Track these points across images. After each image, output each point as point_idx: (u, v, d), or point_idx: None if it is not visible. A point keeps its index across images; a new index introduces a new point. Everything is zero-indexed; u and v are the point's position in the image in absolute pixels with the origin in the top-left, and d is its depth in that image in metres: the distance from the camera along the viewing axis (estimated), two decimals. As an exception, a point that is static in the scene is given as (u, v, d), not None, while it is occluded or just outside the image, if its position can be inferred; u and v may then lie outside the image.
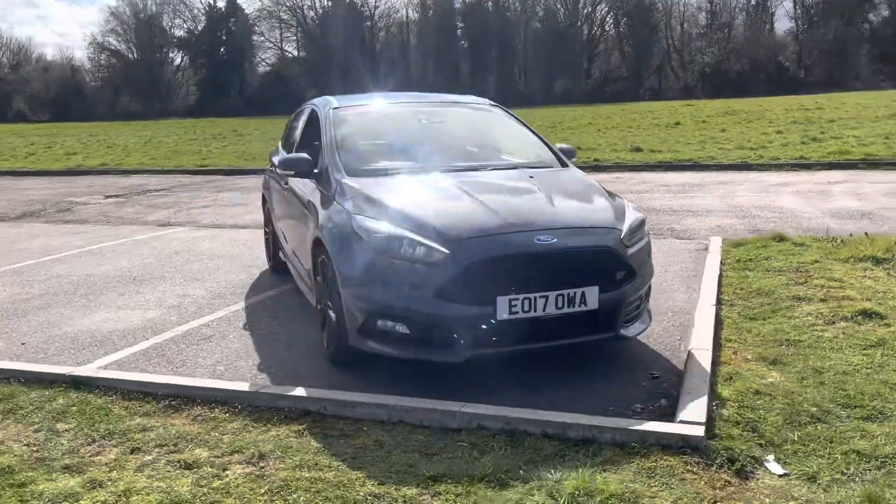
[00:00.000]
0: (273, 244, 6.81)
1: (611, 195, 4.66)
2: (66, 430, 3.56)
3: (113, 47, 75.47)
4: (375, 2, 73.87)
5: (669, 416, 3.55)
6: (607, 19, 75.20)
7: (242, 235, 9.22)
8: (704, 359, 3.95)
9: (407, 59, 71.05)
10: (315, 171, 4.99)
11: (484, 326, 3.83)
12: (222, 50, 73.23)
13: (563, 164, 5.22)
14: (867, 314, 4.63)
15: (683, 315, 5.23)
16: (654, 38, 70.11)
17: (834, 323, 4.59)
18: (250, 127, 37.20)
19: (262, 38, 75.34)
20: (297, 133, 6.06)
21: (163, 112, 67.35)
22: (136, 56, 74.60)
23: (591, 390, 3.96)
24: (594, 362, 4.35)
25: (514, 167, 5.04)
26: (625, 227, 4.22)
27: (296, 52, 75.59)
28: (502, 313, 3.81)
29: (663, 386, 3.99)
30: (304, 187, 5.17)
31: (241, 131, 33.58)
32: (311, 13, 73.91)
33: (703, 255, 6.84)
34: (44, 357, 4.82)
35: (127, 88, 73.46)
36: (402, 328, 3.94)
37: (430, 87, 65.42)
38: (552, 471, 2.94)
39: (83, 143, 30.05)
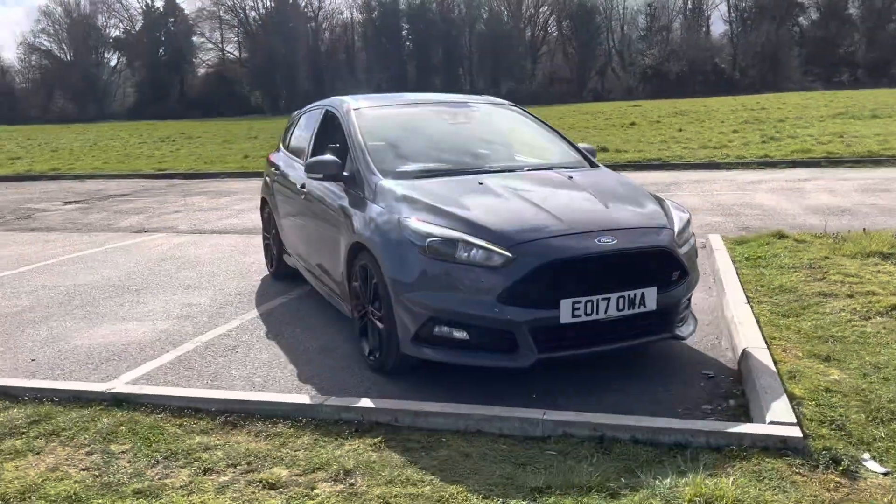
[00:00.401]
0: (277, 250, 6.59)
1: (652, 195, 4.65)
2: (123, 452, 3.34)
3: (45, 48, 72.85)
4: (319, 3, 73.10)
5: (741, 416, 3.54)
6: (550, 22, 76.18)
7: (227, 241, 8.94)
8: (764, 357, 3.95)
9: (352, 60, 70.55)
10: (344, 173, 4.83)
11: (548, 331, 3.75)
12: (161, 51, 71.47)
13: (593, 164, 5.19)
14: (898, 309, 4.72)
15: (710, 314, 5.26)
16: (596, 40, 71.26)
17: (869, 318, 4.66)
18: (198, 130, 36.35)
19: (203, 39, 73.79)
20: (310, 135, 5.87)
21: (99, 115, 65.35)
22: (70, 57, 72.17)
23: (651, 393, 3.93)
24: (642, 365, 4.32)
25: (550, 167, 4.98)
26: (676, 227, 4.21)
27: (238, 54, 74.25)
28: (566, 317, 3.74)
29: (722, 386, 3.98)
30: (331, 191, 5.00)
31: (190, 134, 32.76)
32: (254, 14, 72.71)
33: (705, 253, 6.91)
34: (62, 374, 4.55)
35: (61, 90, 70.94)
36: (461, 334, 3.83)
37: (378, 88, 65.24)
38: (658, 477, 2.88)
39: (23, 146, 28.86)
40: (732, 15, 73.25)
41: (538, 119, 5.77)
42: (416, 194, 4.32)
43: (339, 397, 3.72)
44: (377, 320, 4.23)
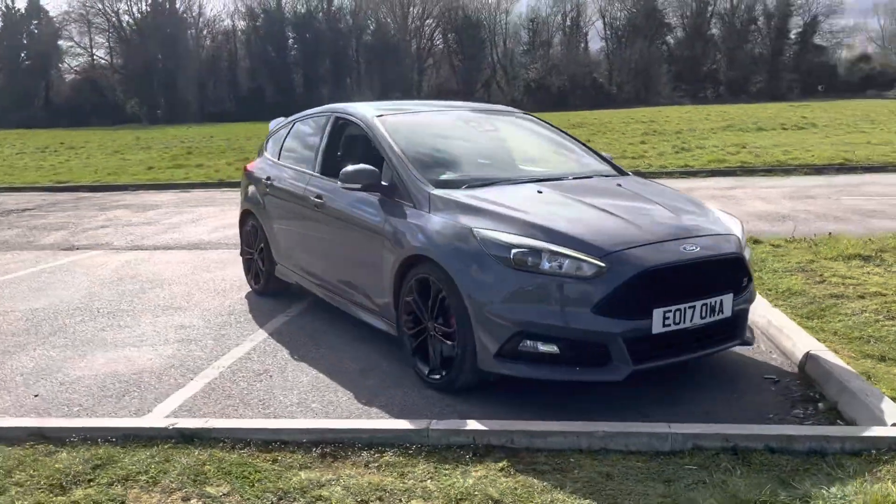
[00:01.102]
0: (266, 266, 6.18)
1: (700, 201, 4.69)
2: (226, 495, 2.97)
3: None
4: (199, 8, 70.47)
5: (835, 419, 3.60)
6: (436, 34, 76.95)
7: (178, 257, 8.33)
8: (832, 359, 4.05)
9: (235, 68, 68.34)
10: (383, 183, 4.59)
11: (640, 341, 3.68)
12: (23, 55, 66.56)
13: (622, 172, 5.19)
14: (920, 309, 4.99)
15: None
16: (481, 53, 72.66)
17: (894, 318, 4.90)
18: (76, 139, 34.01)
19: (71, 44, 69.31)
20: (317, 144, 5.52)
21: (-46, 123, 59.95)
22: (-82, 61, 65.93)
23: (727, 401, 3.93)
24: (701, 374, 4.32)
25: (591, 176, 4.92)
26: (739, 233, 4.26)
27: (110, 59, 70.27)
28: (657, 326, 3.68)
29: (794, 390, 4.04)
30: (360, 203, 4.72)
31: (71, 144, 30.60)
32: (127, 18, 69.07)
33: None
34: (82, 409, 4.05)
35: None
36: (550, 348, 3.68)
37: (265, 97, 63.55)
38: (821, 487, 2.85)
39: None
40: (608, 32, 76.72)
41: (555, 127, 5.73)
42: (480, 203, 4.15)
43: (442, 421, 3.48)
44: (443, 337, 4.03)
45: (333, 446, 3.33)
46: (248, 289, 6.66)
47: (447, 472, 3.11)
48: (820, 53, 72.96)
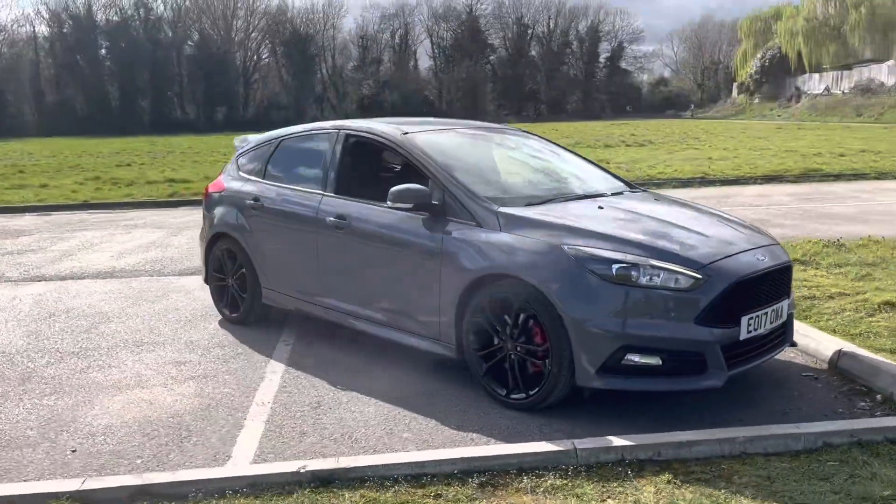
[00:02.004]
0: (249, 293, 5.76)
1: None
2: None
3: None
4: (-6, 12, 63.83)
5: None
6: (262, 47, 75.14)
7: (99, 287, 7.53)
8: (868, 354, 4.47)
9: (37, 77, 62.47)
10: (434, 202, 4.47)
11: (730, 348, 3.87)
12: None
13: (632, 186, 5.39)
14: (891, 304, 5.60)
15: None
16: (312, 68, 71.83)
17: (874, 314, 5.45)
18: None
19: None
20: (327, 162, 5.23)
21: None
22: None
23: (793, 397, 4.21)
24: (741, 376, 4.60)
25: (621, 192, 5.08)
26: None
27: None
28: (743, 333, 3.90)
29: (837, 385, 4.41)
30: (405, 224, 4.56)
31: None
32: None
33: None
34: (143, 460, 3.59)
35: None
36: (653, 360, 3.77)
37: (75, 110, 58.71)
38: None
39: None
40: (436, 51, 78.75)
41: (551, 141, 5.86)
42: (554, 220, 4.17)
43: (585, 440, 3.44)
44: (527, 355, 3.99)
45: (487, 475, 3.21)
46: (216, 318, 6.18)
47: (619, 490, 3.11)
48: (626, 76, 79.49)
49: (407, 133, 5.01)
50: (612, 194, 4.95)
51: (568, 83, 77.06)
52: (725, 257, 3.97)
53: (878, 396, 4.13)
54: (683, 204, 4.97)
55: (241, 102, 70.02)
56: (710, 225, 4.43)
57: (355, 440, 3.78)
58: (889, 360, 4.36)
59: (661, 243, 3.97)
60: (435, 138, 5.08)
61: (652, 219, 4.36)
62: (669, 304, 3.76)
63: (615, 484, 3.15)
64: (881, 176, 15.60)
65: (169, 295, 7.11)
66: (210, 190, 6.29)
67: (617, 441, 3.39)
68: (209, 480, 3.13)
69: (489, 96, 75.33)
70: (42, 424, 4.09)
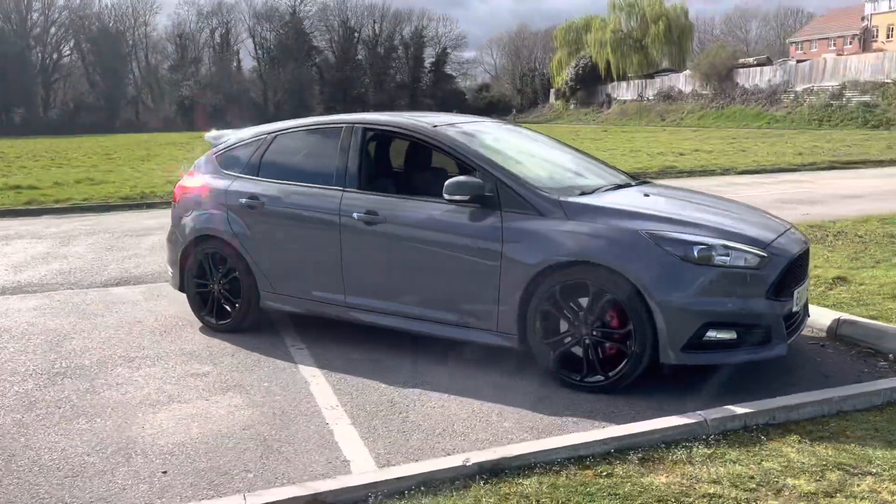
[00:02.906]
0: (245, 298, 5.43)
1: None
2: (626, 515, 2.83)
3: None
4: None
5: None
6: (64, 44, 69.29)
7: (22, 305, 6.72)
8: (868, 321, 5.03)
9: None
10: (487, 194, 4.50)
11: (786, 319, 4.25)
12: None
13: (634, 178, 5.69)
14: (843, 278, 6.33)
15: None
16: (125, 68, 67.29)
17: (832, 289, 6.15)
18: None
19: None
20: (345, 157, 5.04)
21: None
22: None
23: (820, 364, 4.62)
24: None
25: (645, 182, 5.36)
26: None
27: None
28: (794, 306, 4.31)
29: (844, 349, 4.93)
30: (452, 217, 4.54)
31: None
32: None
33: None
34: (249, 472, 3.34)
35: None
36: (729, 335, 4.06)
37: None
38: None
39: None
40: (259, 52, 76.63)
41: (539, 133, 6.05)
42: (618, 206, 4.37)
43: (709, 410, 3.63)
44: (605, 339, 4.15)
45: (640, 451, 3.32)
46: (190, 327, 5.77)
47: (765, 452, 3.32)
48: (451, 81, 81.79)
49: (437, 127, 4.99)
50: (637, 184, 5.22)
51: (396, 87, 78.00)
52: (778, 237, 4.36)
53: (891, 356, 4.68)
54: (700, 193, 5.33)
55: (40, 104, 64.16)
56: (744, 211, 4.83)
57: (462, 434, 3.74)
58: (888, 324, 4.96)
59: (727, 225, 4.29)
60: (468, 130, 5.10)
61: (698, 204, 4.68)
62: (743, 282, 4.06)
63: (757, 447, 3.38)
64: (725, 172, 17.34)
65: (115, 307, 6.50)
66: (184, 190, 5.84)
67: (738, 409, 3.63)
68: (380, 483, 2.98)
69: (317, 99, 74.54)
70: (97, 450, 3.66)
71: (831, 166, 17.61)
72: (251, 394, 4.36)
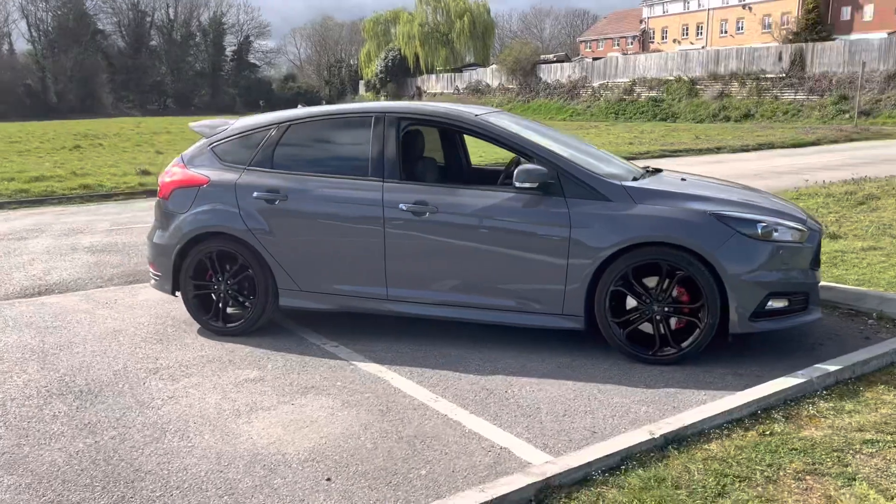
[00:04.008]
0: (261, 298, 5.12)
1: None
2: (803, 469, 3.13)
3: None
4: None
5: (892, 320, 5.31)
6: None
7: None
8: (843, 286, 5.76)
9: None
10: (550, 181, 4.62)
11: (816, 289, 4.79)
12: None
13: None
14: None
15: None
16: None
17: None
18: None
19: None
20: (383, 148, 4.88)
21: None
22: None
23: (828, 324, 5.29)
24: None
25: (660, 170, 5.69)
26: None
27: None
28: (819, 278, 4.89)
29: (826, 312, 5.62)
30: (510, 204, 4.62)
31: None
32: None
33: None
34: (416, 481, 3.26)
35: None
36: (782, 303, 4.50)
37: None
38: None
39: None
40: (34, 34, 69.27)
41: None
42: (676, 189, 4.71)
43: (809, 369, 4.05)
44: (675, 314, 4.46)
45: (776, 410, 3.65)
46: (190, 330, 5.36)
47: (874, 399, 3.79)
48: (255, 71, 79.10)
49: (479, 115, 5.03)
50: (652, 172, 5.57)
51: (195, 76, 73.95)
52: (807, 216, 4.90)
53: (874, 314, 5.40)
54: (719, 180, 5.76)
55: None
56: (767, 194, 5.34)
57: (587, 412, 3.86)
58: (865, 288, 5.73)
59: (771, 205, 4.76)
60: (508, 120, 5.19)
61: (733, 187, 5.13)
62: (794, 255, 4.53)
63: (861, 398, 3.82)
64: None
65: (68, 318, 5.82)
66: (176, 185, 5.36)
67: (830, 367, 4.07)
68: (595, 462, 3.05)
69: (106, 87, 68.82)
70: (229, 465, 3.35)
71: (662, 154, 19.41)
72: (335, 395, 4.17)
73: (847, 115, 33.16)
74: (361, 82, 71.07)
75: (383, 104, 5.23)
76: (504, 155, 17.93)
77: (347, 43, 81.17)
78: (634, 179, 4.85)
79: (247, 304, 5.23)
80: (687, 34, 67.77)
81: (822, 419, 3.58)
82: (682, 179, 5.16)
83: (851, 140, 22.84)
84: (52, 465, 3.40)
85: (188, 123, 5.93)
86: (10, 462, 3.43)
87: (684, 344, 4.47)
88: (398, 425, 3.75)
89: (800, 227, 4.60)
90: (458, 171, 5.23)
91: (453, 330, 5.14)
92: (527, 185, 4.55)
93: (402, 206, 4.79)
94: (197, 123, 5.65)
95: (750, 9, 62.00)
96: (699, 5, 66.69)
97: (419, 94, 63.76)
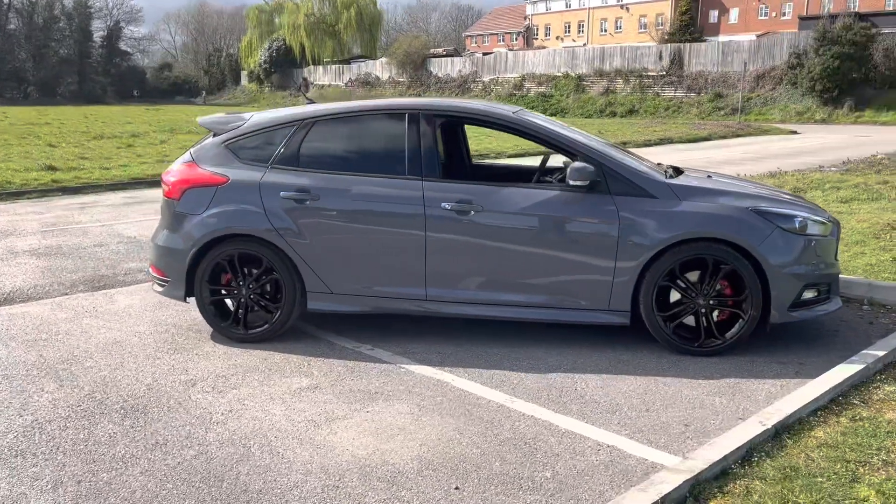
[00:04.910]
0: (288, 302, 4.89)
1: None
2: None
3: None
4: None
5: (881, 306, 5.71)
6: None
7: None
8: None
9: None
10: (597, 179, 4.67)
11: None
12: None
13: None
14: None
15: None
16: None
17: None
18: None
19: None
20: (420, 146, 4.74)
21: None
22: None
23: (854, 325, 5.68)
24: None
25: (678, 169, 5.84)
26: None
27: None
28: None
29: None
30: (560, 202, 4.63)
31: None
32: None
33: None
34: (543, 484, 3.25)
35: None
36: (812, 294, 4.74)
37: None
38: None
39: None
40: None
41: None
42: (711, 186, 4.86)
43: (862, 355, 4.31)
44: (720, 306, 4.63)
45: (853, 396, 3.86)
46: (198, 336, 5.08)
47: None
48: (127, 59, 74.85)
49: (517, 112, 5.02)
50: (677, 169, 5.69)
51: (60, 63, 68.99)
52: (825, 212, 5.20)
53: (865, 301, 5.78)
54: (737, 177, 5.99)
55: None
56: (784, 192, 5.60)
57: (671, 405, 3.93)
58: (852, 277, 6.12)
59: (798, 202, 5.01)
60: (536, 117, 5.18)
61: (755, 184, 5.35)
62: (825, 247, 4.79)
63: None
64: (498, 155, 18.73)
65: (80, 322, 5.41)
66: (190, 184, 5.01)
67: (879, 352, 4.36)
68: (729, 455, 3.12)
69: (-43, 74, 63.11)
70: (342, 479, 3.20)
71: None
72: (406, 399, 4.05)
73: (722, 112, 35.42)
74: (244, 73, 68.74)
75: (415, 101, 5.10)
76: (491, 148, 18.01)
77: (227, 31, 78.31)
78: (670, 177, 4.98)
79: (270, 308, 4.98)
80: (569, 31, 70.04)
81: (893, 402, 3.83)
82: (709, 177, 5.34)
83: (738, 136, 24.37)
84: (146, 491, 3.11)
85: (197, 118, 5.55)
86: (94, 492, 3.12)
87: (728, 335, 4.65)
88: (491, 429, 3.69)
89: (825, 221, 4.87)
90: (502, 169, 5.20)
91: (477, 327, 5.10)
92: (578, 183, 4.57)
93: (445, 205, 4.70)
94: (206, 118, 5.30)
95: (627, 9, 64.85)
96: (580, 4, 69.08)
97: (306, 86, 62.41)
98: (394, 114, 5.00)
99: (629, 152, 5.37)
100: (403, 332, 5.10)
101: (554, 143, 4.84)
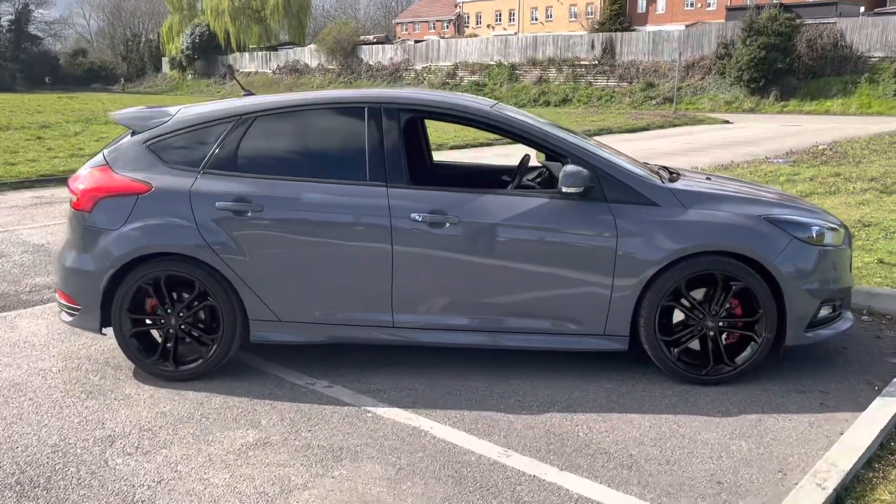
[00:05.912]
0: (227, 332, 4.10)
1: None
2: None
3: None
4: None
5: (883, 316, 5.25)
6: None
7: None
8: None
9: None
10: (591, 185, 4.02)
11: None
12: None
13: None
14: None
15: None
16: None
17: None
18: None
19: None
20: (381, 147, 4.00)
21: None
22: None
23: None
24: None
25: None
26: None
27: None
28: None
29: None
30: (549, 211, 3.97)
31: None
32: None
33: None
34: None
35: None
36: (827, 310, 4.18)
37: None
38: None
39: None
40: None
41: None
42: (716, 191, 4.31)
43: (892, 386, 3.86)
44: (728, 328, 4.06)
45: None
46: (118, 378, 4.24)
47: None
48: (38, 43, 70.85)
49: (494, 105, 4.33)
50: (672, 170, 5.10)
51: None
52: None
53: (865, 311, 5.26)
54: (739, 179, 5.45)
55: None
56: (792, 195, 5.08)
57: (684, 456, 3.36)
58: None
59: (810, 207, 4.48)
60: (516, 113, 4.48)
61: (755, 185, 4.82)
62: (840, 258, 4.25)
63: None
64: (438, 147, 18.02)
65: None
66: (103, 193, 4.13)
67: None
68: None
69: None
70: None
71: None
72: (378, 458, 3.32)
73: (654, 102, 35.57)
74: (165, 59, 65.84)
75: (376, 92, 4.35)
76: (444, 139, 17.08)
77: (145, 15, 74.87)
78: (671, 180, 4.38)
79: (205, 340, 4.17)
80: (500, 20, 69.62)
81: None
82: (708, 178, 4.78)
83: (675, 125, 24.31)
84: None
85: (110, 113, 4.65)
86: None
87: (738, 360, 4.09)
88: (491, 498, 3.01)
89: (838, 227, 4.35)
90: (477, 172, 4.50)
91: (448, 355, 4.42)
92: (572, 189, 3.92)
93: (415, 216, 3.98)
94: (123, 113, 4.41)
95: (558, -2, 64.87)
96: (512, -8, 68.77)
97: (232, 73, 60.24)
98: (351, 108, 4.23)
99: (620, 152, 4.75)
100: (365, 364, 4.37)
101: (541, 142, 4.17)
